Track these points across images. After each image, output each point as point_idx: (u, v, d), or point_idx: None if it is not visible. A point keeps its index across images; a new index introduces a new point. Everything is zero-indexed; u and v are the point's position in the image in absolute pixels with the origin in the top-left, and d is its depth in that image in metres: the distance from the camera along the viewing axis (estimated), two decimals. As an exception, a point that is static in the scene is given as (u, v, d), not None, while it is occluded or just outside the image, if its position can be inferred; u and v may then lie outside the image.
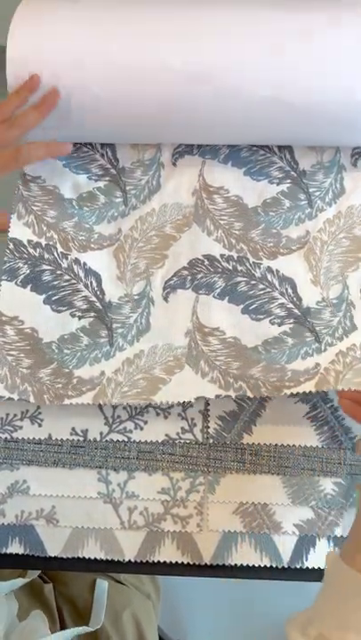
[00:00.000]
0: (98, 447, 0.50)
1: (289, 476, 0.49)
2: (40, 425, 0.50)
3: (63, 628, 0.62)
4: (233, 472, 0.49)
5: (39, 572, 0.60)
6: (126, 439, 0.50)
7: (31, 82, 0.50)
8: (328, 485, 0.49)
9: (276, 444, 0.50)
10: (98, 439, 0.50)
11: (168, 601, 0.82)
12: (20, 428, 0.50)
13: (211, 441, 0.49)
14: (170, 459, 0.49)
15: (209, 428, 0.50)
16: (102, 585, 0.63)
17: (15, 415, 0.50)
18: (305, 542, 0.48)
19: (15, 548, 0.48)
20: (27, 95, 0.50)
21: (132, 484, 0.49)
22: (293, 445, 0.50)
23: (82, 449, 0.50)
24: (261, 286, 0.52)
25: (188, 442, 0.50)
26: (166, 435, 0.50)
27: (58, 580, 0.62)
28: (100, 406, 0.50)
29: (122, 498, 0.49)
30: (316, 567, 0.47)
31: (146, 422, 0.50)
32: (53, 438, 0.50)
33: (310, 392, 0.47)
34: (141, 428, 0.50)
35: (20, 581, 0.57)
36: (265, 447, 0.50)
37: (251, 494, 0.49)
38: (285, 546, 0.48)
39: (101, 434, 0.50)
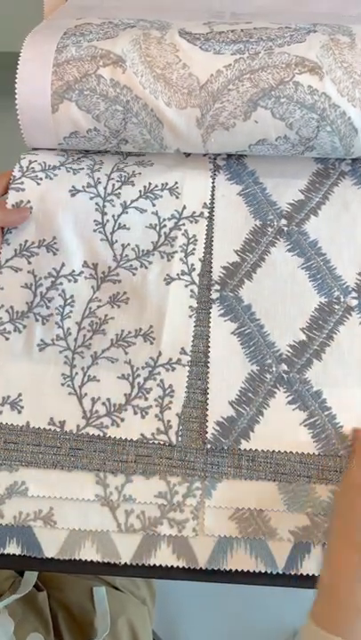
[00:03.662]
0: (96, 450, 0.50)
1: (285, 483, 0.49)
2: (20, 412, 0.51)
3: (58, 635, 0.62)
4: (230, 478, 0.50)
5: (33, 584, 0.61)
6: (102, 434, 0.50)
7: (21, 213, 0.54)
8: (324, 493, 0.49)
9: (273, 451, 0.50)
10: (74, 431, 0.51)
11: (163, 606, 0.82)
12: (0, 412, 0.51)
13: (208, 446, 0.50)
14: (167, 463, 0.50)
15: (207, 433, 0.50)
16: (100, 592, 0.63)
17: None
18: (300, 549, 0.48)
19: (12, 548, 0.49)
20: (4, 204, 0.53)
21: (130, 487, 0.50)
22: (290, 452, 0.50)
23: (80, 451, 0.51)
24: None
25: (162, 443, 0.50)
26: (141, 434, 0.50)
27: (53, 586, 0.63)
28: (79, 400, 0.51)
29: (119, 501, 0.49)
30: (310, 574, 0.47)
31: (123, 420, 0.51)
32: (31, 426, 0.51)
33: (308, 399, 0.48)
34: (118, 425, 0.50)
35: (13, 598, 0.57)
36: (262, 453, 0.50)
37: (247, 500, 0.49)
38: (280, 552, 0.48)
39: (78, 427, 0.51)
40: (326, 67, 0.52)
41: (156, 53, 0.53)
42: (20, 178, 0.55)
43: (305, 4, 0.63)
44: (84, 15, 0.59)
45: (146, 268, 0.55)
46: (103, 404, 0.51)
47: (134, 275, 0.54)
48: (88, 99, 0.53)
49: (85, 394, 0.52)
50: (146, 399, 0.51)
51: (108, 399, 0.51)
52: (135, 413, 0.51)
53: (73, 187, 0.56)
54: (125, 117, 0.53)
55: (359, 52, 0.53)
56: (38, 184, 0.55)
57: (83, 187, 0.56)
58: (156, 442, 0.50)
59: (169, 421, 0.51)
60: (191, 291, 0.54)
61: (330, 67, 0.52)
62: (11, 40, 0.71)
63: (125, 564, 0.48)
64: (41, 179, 0.56)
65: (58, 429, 0.51)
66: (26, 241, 0.55)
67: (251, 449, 0.50)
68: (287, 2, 0.63)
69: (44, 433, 0.51)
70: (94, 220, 0.55)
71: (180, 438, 0.50)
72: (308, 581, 0.48)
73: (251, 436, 0.50)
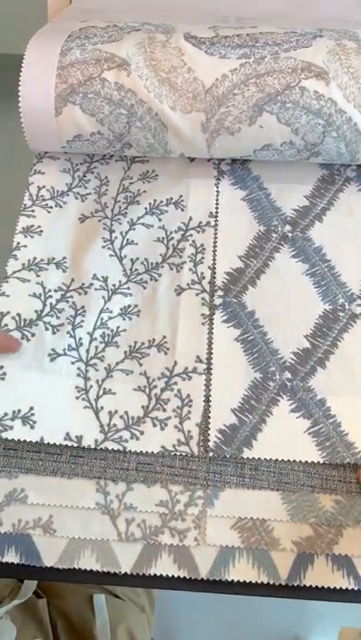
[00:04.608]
0: (97, 457, 0.50)
1: (289, 492, 0.49)
2: (32, 427, 0.50)
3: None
4: (232, 486, 0.49)
5: (33, 590, 0.60)
6: (122, 448, 0.49)
7: (11, 344, 0.51)
8: (328, 503, 0.48)
9: (276, 460, 0.49)
10: (92, 446, 0.49)
11: (162, 614, 0.82)
12: (11, 428, 0.50)
13: (210, 454, 0.49)
14: (169, 471, 0.49)
15: (209, 441, 0.50)
16: (100, 600, 0.62)
17: (6, 414, 0.50)
18: (303, 560, 0.47)
19: (11, 557, 0.48)
20: None
21: (131, 495, 0.49)
22: (294, 461, 0.49)
23: (81, 459, 0.50)
24: None
25: (185, 455, 0.49)
26: (162, 446, 0.49)
27: (53, 594, 0.62)
28: (95, 414, 0.50)
29: (120, 509, 0.49)
30: (313, 585, 0.47)
31: (142, 433, 0.50)
32: (46, 442, 0.49)
33: (312, 407, 0.47)
34: (137, 438, 0.50)
35: (13, 604, 0.57)
36: (265, 462, 0.49)
37: (249, 509, 0.48)
38: (283, 563, 0.47)
39: (96, 441, 0.50)
40: (333, 72, 0.52)
41: (160, 57, 0.53)
42: (30, 206, 0.57)
43: (310, 9, 0.63)
44: (89, 18, 0.59)
45: (156, 280, 0.54)
46: (121, 417, 0.50)
47: (145, 288, 0.54)
48: (92, 102, 0.52)
49: (102, 407, 0.51)
50: (164, 410, 0.50)
51: (126, 412, 0.50)
52: (154, 425, 0.50)
53: (82, 214, 0.58)
54: (129, 121, 0.53)
55: None
56: (49, 212, 0.57)
57: (91, 213, 0.57)
58: (177, 453, 0.49)
59: (189, 432, 0.50)
60: (202, 299, 0.54)
61: (336, 72, 0.52)
62: (11, 41, 0.71)
63: (125, 573, 0.47)
64: (51, 207, 0.57)
65: (75, 444, 0.49)
66: (35, 257, 0.55)
67: (254, 457, 0.49)
68: (293, 6, 0.63)
69: None
70: (102, 238, 0.56)
71: (201, 449, 0.50)
72: (311, 593, 0.47)
73: (253, 445, 0.49)
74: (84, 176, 0.59)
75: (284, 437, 0.50)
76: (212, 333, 0.53)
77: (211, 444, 0.49)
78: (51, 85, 0.53)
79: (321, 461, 0.49)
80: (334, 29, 0.56)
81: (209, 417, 0.50)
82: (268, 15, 0.61)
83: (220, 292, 0.55)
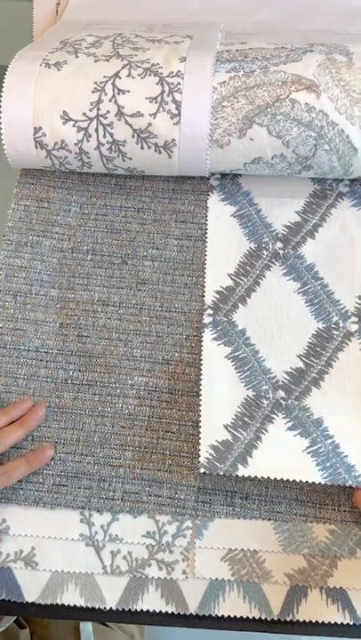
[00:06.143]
0: (81, 487, 0.48)
1: (280, 522, 0.47)
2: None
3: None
4: (222, 516, 0.47)
5: (13, 619, 0.58)
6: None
7: (23, 405, 0.50)
8: (322, 532, 0.46)
9: (267, 487, 0.47)
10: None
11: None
12: None
13: (202, 470, 0.46)
14: (156, 501, 0.47)
15: (200, 457, 0.47)
16: (87, 629, 0.60)
17: None
18: (296, 593, 0.45)
19: (-10, 592, 0.46)
20: (16, 415, 0.49)
21: (116, 526, 0.47)
22: (286, 488, 0.47)
23: (64, 487, 0.48)
24: None
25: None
26: None
27: (36, 622, 0.60)
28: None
29: (105, 541, 0.47)
30: (307, 620, 0.45)
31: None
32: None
33: (310, 426, 0.46)
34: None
35: None
36: (256, 491, 0.47)
37: (240, 540, 0.46)
38: (276, 596, 0.45)
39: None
40: (323, 85, 0.50)
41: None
42: None
43: (302, 21, 0.61)
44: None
45: None
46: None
47: None
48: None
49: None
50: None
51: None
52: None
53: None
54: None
55: (356, 70, 0.51)
56: None
57: None
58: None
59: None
60: None
61: (327, 84, 0.50)
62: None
63: (111, 609, 0.45)
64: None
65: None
66: None
67: (249, 477, 0.46)
68: (284, 19, 0.62)
69: None
70: None
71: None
72: (305, 628, 0.45)
73: (249, 462, 0.47)
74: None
75: (282, 455, 0.47)
76: (200, 355, 0.51)
77: (202, 459, 0.47)
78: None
79: (323, 482, 0.46)
80: (325, 44, 0.54)
81: (198, 443, 0.48)
82: (260, 28, 0.60)
83: (209, 312, 0.53)
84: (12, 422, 0.49)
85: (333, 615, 0.45)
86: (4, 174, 0.61)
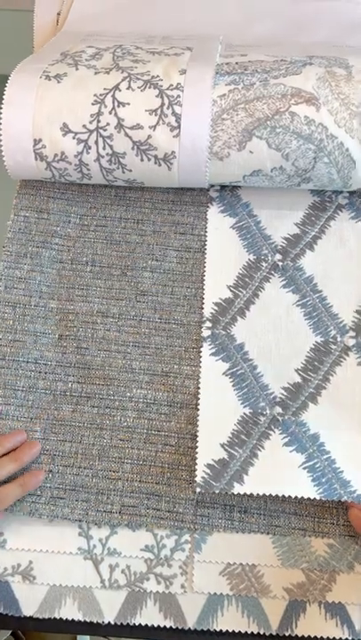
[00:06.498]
0: (79, 499, 0.48)
1: (279, 536, 0.47)
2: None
3: None
4: (220, 530, 0.47)
5: (10, 632, 0.57)
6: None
7: (17, 437, 0.49)
8: (320, 547, 0.46)
9: (266, 501, 0.47)
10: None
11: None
12: None
13: (198, 490, 0.46)
14: (154, 514, 0.47)
15: (196, 476, 0.47)
16: (83, 641, 0.60)
17: None
18: (295, 608, 0.45)
19: (-12, 606, 0.46)
20: (9, 447, 0.48)
21: (115, 539, 0.47)
22: (284, 502, 0.47)
23: (62, 500, 0.48)
24: None
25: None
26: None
27: (34, 636, 0.59)
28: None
29: (103, 554, 0.46)
30: (306, 635, 0.44)
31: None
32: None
33: (306, 441, 0.45)
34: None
35: None
36: (254, 504, 0.47)
37: (239, 554, 0.46)
38: (274, 611, 0.45)
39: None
40: (323, 98, 0.50)
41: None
42: None
43: (301, 34, 0.62)
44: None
45: None
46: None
47: None
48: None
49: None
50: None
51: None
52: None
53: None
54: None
55: (356, 83, 0.51)
56: None
57: None
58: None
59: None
60: None
61: (326, 98, 0.50)
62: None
63: (109, 623, 0.45)
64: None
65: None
66: None
67: (243, 500, 0.47)
68: (284, 31, 0.62)
69: None
70: None
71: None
72: (303, 643, 0.45)
73: (245, 479, 0.47)
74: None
75: (278, 471, 0.47)
76: (199, 367, 0.51)
77: (198, 479, 0.47)
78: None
79: (318, 497, 0.46)
80: (324, 57, 0.54)
81: (196, 454, 0.48)
82: (260, 41, 0.60)
83: (208, 324, 0.53)
84: (6, 454, 0.48)
85: (332, 630, 0.44)
86: (4, 185, 0.61)
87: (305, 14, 0.63)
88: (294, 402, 0.50)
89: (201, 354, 0.52)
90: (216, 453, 0.48)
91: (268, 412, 0.50)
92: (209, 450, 0.48)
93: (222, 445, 0.48)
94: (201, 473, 0.47)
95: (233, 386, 0.51)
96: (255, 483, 0.47)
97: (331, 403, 0.50)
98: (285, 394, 0.50)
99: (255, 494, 0.46)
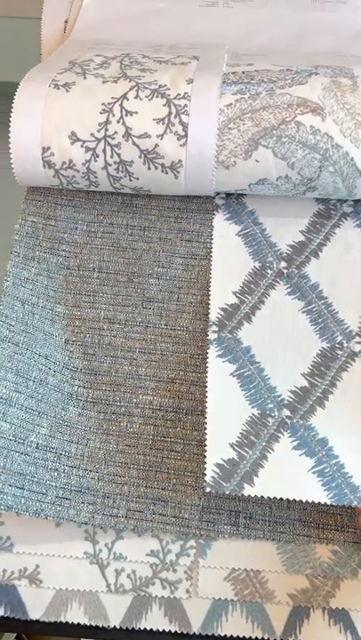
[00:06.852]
0: (85, 501, 0.48)
1: (284, 542, 0.47)
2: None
3: None
4: (226, 536, 0.47)
5: (15, 635, 0.58)
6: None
7: None
8: (325, 553, 0.47)
9: (271, 507, 0.48)
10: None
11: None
12: None
13: (208, 489, 0.46)
14: (160, 519, 0.47)
15: (205, 476, 0.47)
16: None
17: None
18: (299, 613, 0.46)
19: (-5, 609, 0.46)
20: None
21: (121, 544, 0.47)
22: (290, 508, 0.48)
23: (67, 501, 0.48)
24: None
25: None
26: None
27: (37, 638, 0.60)
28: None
29: (109, 559, 0.47)
30: (309, 641, 0.45)
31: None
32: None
33: (315, 446, 0.46)
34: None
35: None
36: (260, 511, 0.48)
37: (243, 560, 0.47)
38: (278, 616, 0.45)
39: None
40: (328, 108, 0.51)
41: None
42: None
43: (305, 43, 0.62)
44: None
45: None
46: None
47: None
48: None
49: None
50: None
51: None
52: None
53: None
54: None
55: None
56: None
57: None
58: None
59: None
60: None
61: (332, 108, 0.51)
62: (6, 70, 0.71)
63: (114, 627, 0.46)
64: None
65: None
66: None
67: (255, 496, 0.46)
68: (289, 40, 0.63)
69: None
70: None
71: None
72: (307, 649, 0.45)
73: (255, 482, 0.46)
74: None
75: (288, 475, 0.47)
76: (206, 373, 0.52)
77: (208, 478, 0.46)
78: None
79: (329, 502, 0.46)
80: (330, 66, 0.55)
81: (203, 462, 0.48)
82: (266, 50, 0.60)
83: (214, 328, 0.53)
84: None
85: (335, 636, 0.45)
86: (12, 190, 0.61)
87: (308, 24, 0.64)
88: (302, 405, 0.50)
89: (207, 359, 0.52)
90: (225, 453, 0.48)
91: (276, 414, 0.50)
92: (218, 449, 0.48)
93: (231, 445, 0.48)
94: (210, 472, 0.47)
95: (241, 387, 0.51)
96: (266, 485, 0.46)
97: (338, 407, 0.50)
98: (293, 397, 0.51)
99: (265, 497, 0.46)
